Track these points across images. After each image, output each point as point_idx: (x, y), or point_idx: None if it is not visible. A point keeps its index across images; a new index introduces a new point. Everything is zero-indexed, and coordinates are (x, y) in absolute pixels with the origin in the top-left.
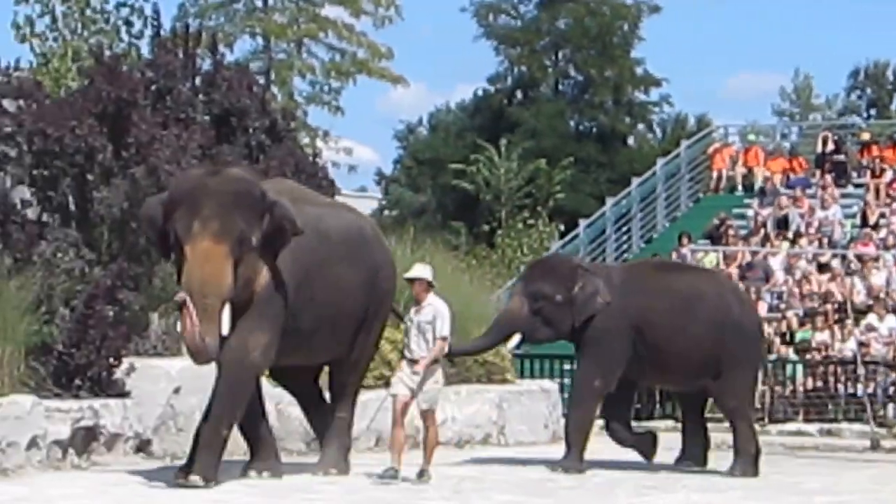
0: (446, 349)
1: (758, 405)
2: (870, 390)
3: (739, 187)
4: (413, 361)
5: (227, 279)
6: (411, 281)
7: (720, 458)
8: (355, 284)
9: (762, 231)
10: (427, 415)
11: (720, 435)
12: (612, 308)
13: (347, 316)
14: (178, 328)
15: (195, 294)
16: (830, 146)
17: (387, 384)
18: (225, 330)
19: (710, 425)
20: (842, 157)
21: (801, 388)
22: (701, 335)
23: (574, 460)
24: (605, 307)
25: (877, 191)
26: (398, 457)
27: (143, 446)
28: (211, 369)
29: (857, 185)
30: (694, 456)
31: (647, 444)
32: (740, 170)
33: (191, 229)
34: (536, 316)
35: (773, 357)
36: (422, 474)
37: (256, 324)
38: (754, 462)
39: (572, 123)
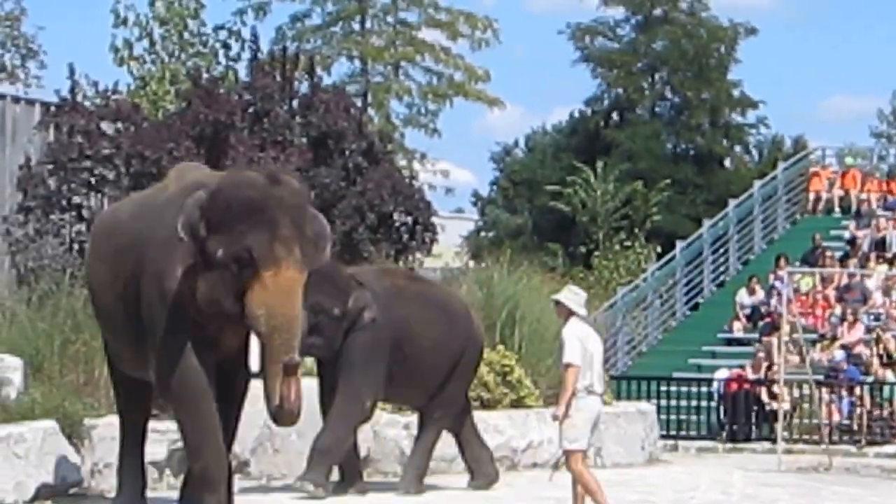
0: (575, 375)
1: (855, 427)
2: None
3: (836, 209)
4: None
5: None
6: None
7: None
8: None
9: (859, 253)
10: (566, 455)
11: (815, 457)
12: (377, 321)
13: None
14: (277, 390)
15: (281, 333)
16: None
17: (483, 405)
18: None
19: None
20: None
21: None
22: (455, 349)
23: (321, 475)
24: (371, 322)
25: None
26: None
27: (240, 467)
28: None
29: None
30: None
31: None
32: (837, 192)
33: (273, 252)
34: (314, 330)
35: (870, 379)
36: None
37: None
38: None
39: (669, 145)
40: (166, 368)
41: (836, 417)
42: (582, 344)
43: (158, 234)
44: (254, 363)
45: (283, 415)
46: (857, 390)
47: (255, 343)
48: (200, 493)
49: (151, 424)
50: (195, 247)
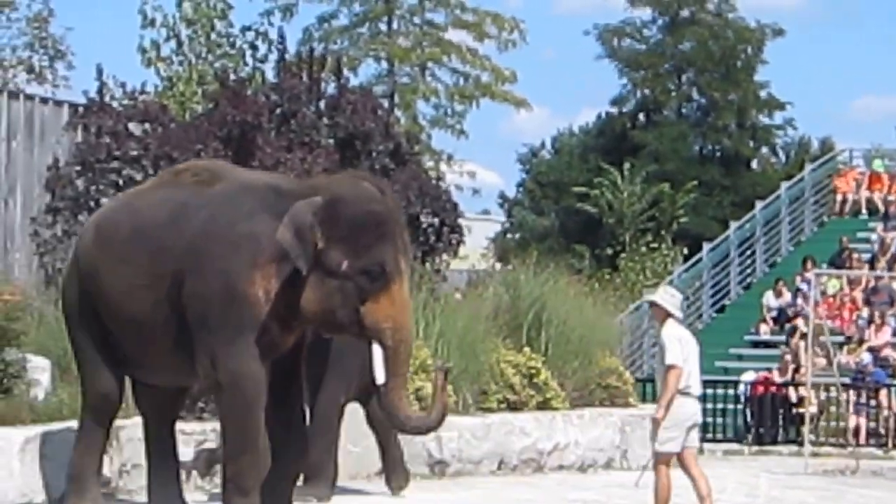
0: (678, 377)
1: (881, 430)
2: None
3: (864, 211)
4: None
5: None
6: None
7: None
8: None
9: (887, 255)
10: (656, 459)
11: (842, 460)
12: None
13: None
14: (403, 400)
15: (406, 346)
16: None
17: (509, 407)
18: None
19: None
20: None
21: None
22: None
23: (324, 488)
24: None
25: None
26: None
27: None
28: None
29: None
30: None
31: None
32: (865, 194)
33: (399, 266)
34: None
35: None
36: None
37: None
38: None
39: (696, 147)
40: (223, 369)
41: (861, 421)
42: (682, 345)
43: (221, 232)
44: (380, 376)
45: (430, 423)
46: (884, 393)
47: (378, 356)
48: (231, 496)
49: (178, 426)
50: (303, 253)
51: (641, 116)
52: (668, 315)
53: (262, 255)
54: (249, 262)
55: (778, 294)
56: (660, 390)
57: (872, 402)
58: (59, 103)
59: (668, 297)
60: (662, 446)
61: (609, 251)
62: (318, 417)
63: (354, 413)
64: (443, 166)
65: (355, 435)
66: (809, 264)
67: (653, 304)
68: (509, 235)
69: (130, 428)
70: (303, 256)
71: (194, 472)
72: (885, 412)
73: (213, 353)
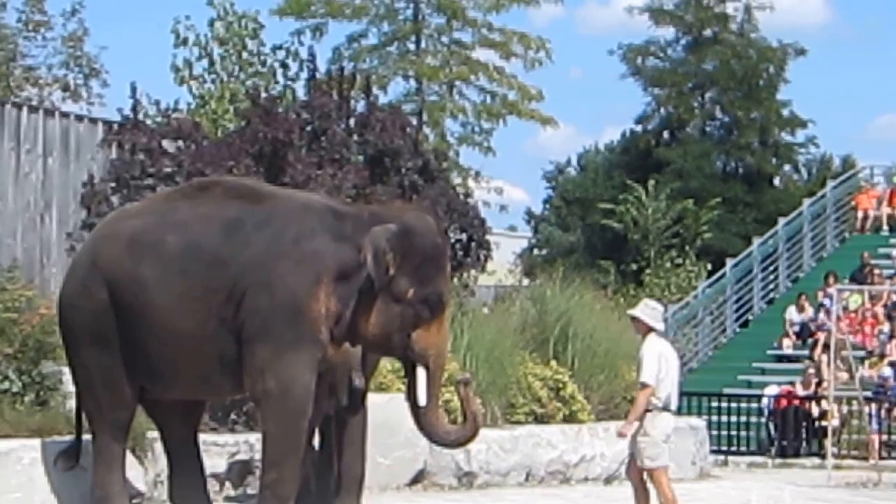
0: (647, 396)
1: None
2: None
3: (885, 227)
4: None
5: None
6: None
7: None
8: None
9: None
10: (650, 474)
11: (865, 472)
12: None
13: None
14: (441, 418)
15: (442, 371)
16: None
17: (536, 420)
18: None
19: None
20: None
21: None
22: None
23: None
24: None
25: None
26: None
27: None
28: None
29: None
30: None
31: None
32: (886, 210)
33: (444, 298)
34: None
35: None
36: None
37: None
38: None
39: (719, 164)
40: (276, 376)
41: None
42: (660, 361)
43: (287, 249)
44: (422, 397)
45: (469, 433)
46: None
47: (423, 379)
48: (265, 500)
49: (210, 438)
50: (378, 275)
51: (665, 134)
52: (650, 329)
53: (325, 273)
54: (314, 279)
55: (800, 309)
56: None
57: (894, 416)
58: (93, 121)
59: (648, 310)
60: (654, 462)
61: (634, 267)
62: (362, 434)
63: (382, 426)
64: (470, 183)
65: (384, 448)
66: (832, 280)
67: (634, 319)
68: (536, 251)
69: None
70: (377, 278)
71: (227, 484)
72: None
73: (266, 362)
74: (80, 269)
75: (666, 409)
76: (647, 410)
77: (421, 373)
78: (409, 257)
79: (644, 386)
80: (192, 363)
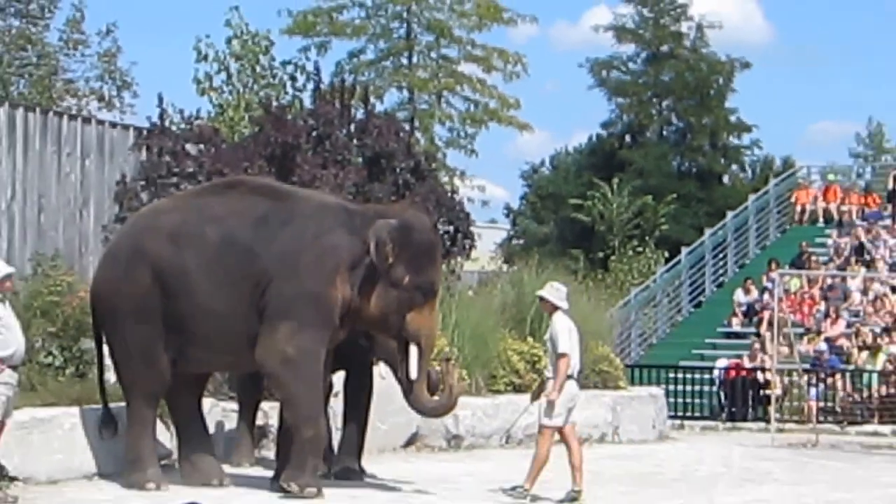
0: (568, 364)
1: (838, 409)
2: None
3: (821, 220)
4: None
5: None
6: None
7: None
8: None
9: (841, 257)
10: (539, 429)
11: (804, 435)
12: None
13: None
14: (425, 391)
15: (432, 349)
16: None
17: (515, 389)
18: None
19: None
20: None
21: (876, 394)
22: None
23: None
24: None
25: None
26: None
27: None
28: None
29: None
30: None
31: None
32: (821, 204)
33: (435, 286)
34: None
35: (851, 367)
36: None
37: None
38: None
39: (675, 164)
40: (295, 345)
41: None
42: (569, 335)
43: (309, 243)
44: (414, 372)
45: (449, 404)
46: (838, 377)
47: (415, 355)
48: (305, 454)
49: (230, 406)
50: (379, 262)
51: (628, 138)
52: (556, 308)
53: (342, 264)
54: (333, 270)
55: (747, 291)
56: (553, 375)
57: (829, 385)
58: (125, 127)
59: (554, 291)
60: (551, 421)
61: (601, 255)
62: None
63: (380, 396)
64: (456, 181)
65: (382, 414)
66: (774, 266)
67: (541, 299)
68: (514, 241)
69: None
70: (378, 265)
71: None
72: (840, 393)
73: (287, 336)
74: (123, 257)
75: (571, 377)
76: (550, 378)
77: (413, 350)
78: (407, 249)
79: (563, 355)
80: (222, 340)
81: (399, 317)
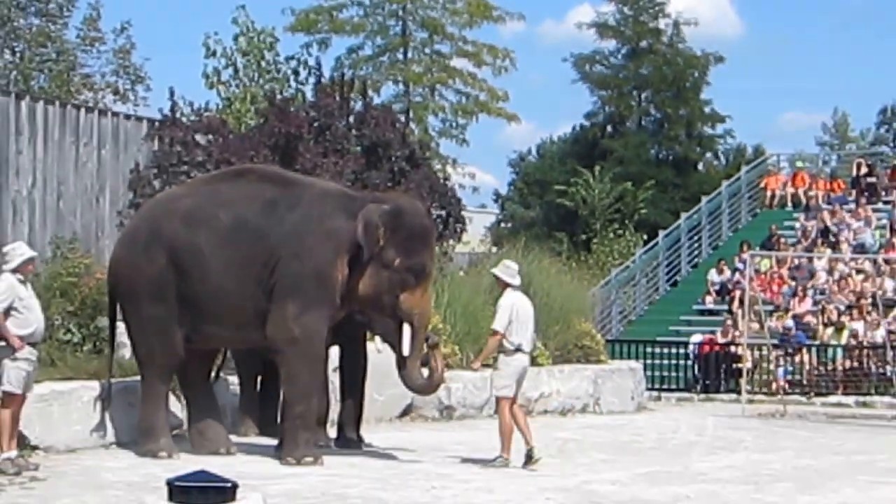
0: (497, 341)
1: (805, 381)
2: None
3: (789, 204)
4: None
5: None
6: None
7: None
8: None
9: (808, 240)
10: (496, 400)
11: (773, 406)
12: None
13: None
14: (417, 368)
15: (425, 328)
16: (864, 170)
17: None
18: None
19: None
20: (873, 179)
21: (840, 368)
22: None
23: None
24: None
25: None
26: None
27: None
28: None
29: (886, 202)
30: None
31: None
32: (790, 190)
33: (426, 269)
34: None
35: (816, 342)
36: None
37: None
38: None
39: (653, 152)
40: (301, 326)
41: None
42: (512, 312)
43: (313, 227)
44: (406, 349)
45: (433, 384)
46: (805, 351)
47: (407, 334)
48: (298, 431)
49: (237, 380)
50: (368, 244)
51: (609, 128)
52: (508, 285)
53: (342, 247)
54: (335, 251)
55: (720, 271)
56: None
57: (796, 359)
58: (139, 119)
59: (505, 269)
60: (500, 391)
61: (583, 237)
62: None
63: (378, 370)
64: (449, 169)
65: (379, 387)
66: (745, 247)
67: (496, 277)
68: (502, 225)
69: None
70: (367, 246)
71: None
72: (807, 367)
73: (294, 315)
74: (141, 239)
75: (519, 350)
76: (501, 351)
77: (406, 329)
78: (398, 232)
79: (494, 332)
80: (233, 317)
81: (392, 297)
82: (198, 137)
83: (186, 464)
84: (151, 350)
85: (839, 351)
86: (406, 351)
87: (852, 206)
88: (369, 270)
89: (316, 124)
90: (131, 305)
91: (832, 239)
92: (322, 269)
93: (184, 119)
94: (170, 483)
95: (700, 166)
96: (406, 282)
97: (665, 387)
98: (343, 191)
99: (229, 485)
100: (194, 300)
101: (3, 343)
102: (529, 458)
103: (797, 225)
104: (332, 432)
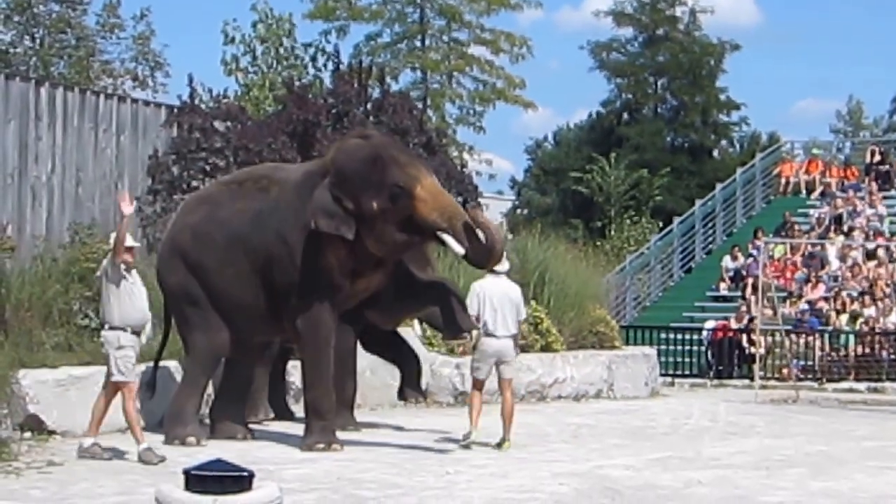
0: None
1: (816, 367)
2: None
3: (803, 191)
4: None
5: None
6: None
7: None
8: None
9: (822, 227)
10: (480, 382)
11: (785, 392)
12: None
13: None
14: (481, 225)
15: (458, 217)
16: (877, 158)
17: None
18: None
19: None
20: (886, 166)
21: (852, 354)
22: None
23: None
24: None
25: None
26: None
27: None
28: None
29: None
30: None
31: None
32: (804, 177)
33: (410, 174)
34: None
35: (829, 328)
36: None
37: None
38: None
39: (669, 139)
40: (303, 319)
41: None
42: (480, 297)
43: (291, 226)
44: (458, 248)
45: (494, 240)
46: (818, 337)
47: (448, 239)
48: (311, 418)
49: None
50: (340, 225)
51: (625, 115)
52: (491, 271)
53: (325, 235)
54: (319, 240)
55: (734, 258)
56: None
57: (809, 345)
58: (158, 105)
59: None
60: (473, 373)
61: (599, 224)
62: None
63: None
64: (466, 156)
65: (395, 372)
66: (759, 234)
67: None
68: (518, 211)
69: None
70: (342, 228)
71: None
72: (819, 353)
73: (297, 309)
74: (166, 250)
75: (490, 334)
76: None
77: (444, 237)
78: (352, 185)
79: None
80: (247, 320)
81: (400, 230)
82: (216, 124)
83: (203, 450)
84: (196, 345)
85: (851, 337)
86: (459, 249)
87: (865, 193)
88: (364, 231)
89: (334, 111)
90: (171, 305)
91: (845, 226)
92: (312, 261)
93: (202, 105)
94: (186, 472)
95: (715, 153)
96: (399, 209)
97: (679, 372)
98: (307, 171)
99: (245, 474)
100: (216, 304)
101: (107, 333)
102: (465, 441)
103: (811, 212)
104: None
